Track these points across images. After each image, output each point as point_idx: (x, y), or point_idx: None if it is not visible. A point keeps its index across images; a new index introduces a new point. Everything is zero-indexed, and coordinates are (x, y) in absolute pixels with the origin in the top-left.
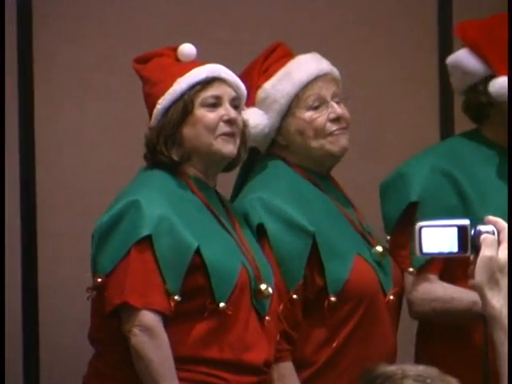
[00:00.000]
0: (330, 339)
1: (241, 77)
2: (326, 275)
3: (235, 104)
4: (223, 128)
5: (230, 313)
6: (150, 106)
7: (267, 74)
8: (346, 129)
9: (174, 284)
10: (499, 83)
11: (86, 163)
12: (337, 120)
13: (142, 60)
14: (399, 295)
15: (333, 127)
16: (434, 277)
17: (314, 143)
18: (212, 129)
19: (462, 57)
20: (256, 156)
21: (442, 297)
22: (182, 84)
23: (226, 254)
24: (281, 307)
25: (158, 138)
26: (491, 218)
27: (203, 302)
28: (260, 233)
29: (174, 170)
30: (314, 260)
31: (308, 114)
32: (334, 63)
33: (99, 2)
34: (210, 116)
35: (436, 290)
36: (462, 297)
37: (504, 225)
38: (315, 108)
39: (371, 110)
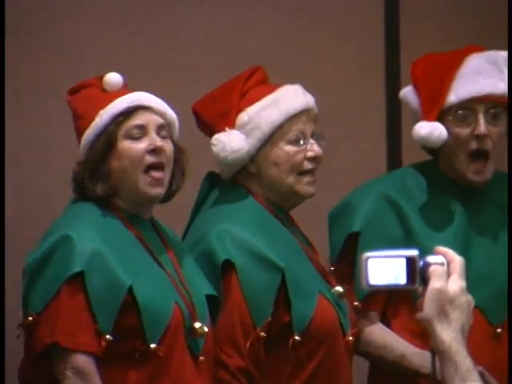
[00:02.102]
0: (291, 378)
1: (215, 98)
2: (292, 313)
3: (163, 132)
4: (149, 159)
5: (161, 354)
6: (78, 139)
7: (248, 97)
8: (315, 170)
9: (106, 323)
10: (415, 129)
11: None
12: (314, 159)
13: (73, 91)
14: (357, 336)
15: (309, 165)
16: (374, 314)
17: (288, 178)
18: (137, 161)
19: (407, 93)
20: (215, 181)
21: (375, 342)
22: (103, 116)
23: (159, 293)
24: (248, 344)
25: (85, 172)
26: (441, 248)
27: (134, 343)
28: (226, 267)
29: (104, 203)
30: (281, 296)
31: (288, 148)
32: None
33: (41, 24)
34: (135, 148)
35: (371, 333)
36: (393, 347)
37: (454, 256)
38: (295, 143)
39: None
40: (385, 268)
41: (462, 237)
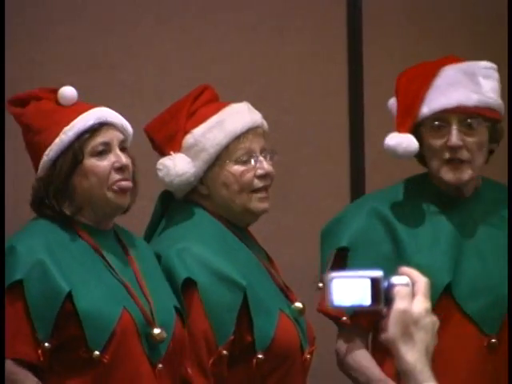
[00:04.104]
0: None
1: (164, 119)
2: (254, 332)
3: (123, 146)
4: (115, 176)
5: (105, 361)
6: (35, 155)
7: (195, 118)
8: (269, 187)
9: (44, 331)
10: (385, 140)
11: None
12: (264, 177)
13: (19, 103)
14: (313, 355)
15: (259, 184)
16: (359, 331)
17: (238, 198)
18: (104, 179)
19: (391, 104)
20: (169, 201)
21: (349, 363)
22: (69, 133)
23: (104, 300)
24: (210, 362)
25: (47, 190)
26: (405, 269)
27: (78, 350)
28: (188, 285)
29: (61, 219)
30: (243, 315)
31: (236, 168)
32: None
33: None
34: (101, 165)
35: (349, 352)
36: (363, 372)
37: (418, 276)
38: (243, 162)
39: (281, 157)
40: (349, 288)
41: (453, 249)
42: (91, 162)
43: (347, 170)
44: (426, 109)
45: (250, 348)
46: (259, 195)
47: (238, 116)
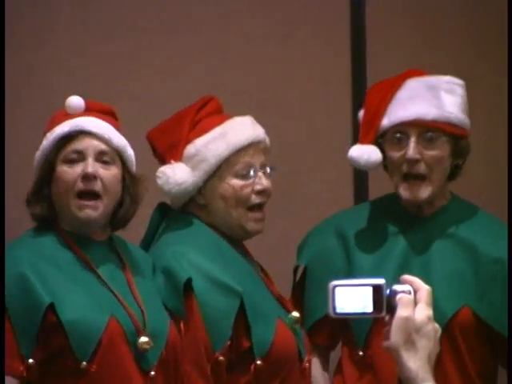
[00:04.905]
0: None
1: (167, 127)
2: (252, 337)
3: (104, 159)
4: (80, 185)
5: (93, 370)
6: None
7: (199, 128)
8: (265, 204)
9: (27, 347)
10: (349, 152)
11: None
12: (261, 193)
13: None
14: (311, 363)
15: (256, 200)
16: (317, 348)
17: (235, 212)
18: (70, 187)
19: (359, 116)
20: (166, 212)
21: (313, 375)
22: (48, 139)
23: (90, 309)
24: (208, 367)
25: (31, 193)
26: (407, 277)
27: (66, 361)
28: (186, 289)
29: (50, 225)
30: (240, 321)
31: (234, 182)
32: (245, 115)
33: (7, 51)
34: (69, 173)
35: (312, 365)
36: None
37: (421, 284)
38: (243, 176)
39: (285, 165)
40: (351, 296)
41: (398, 270)
42: (61, 169)
43: (351, 178)
44: (387, 121)
45: (248, 354)
46: (255, 215)
47: (241, 129)
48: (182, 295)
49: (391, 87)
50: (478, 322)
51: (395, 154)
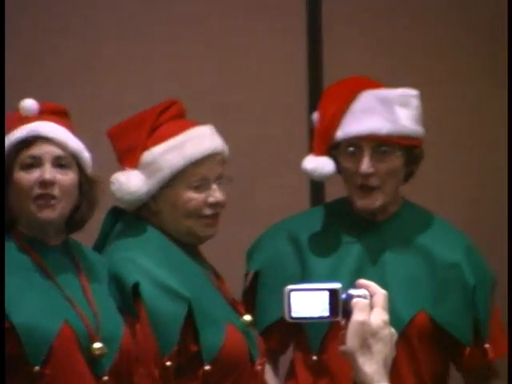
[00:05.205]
0: None
1: (127, 128)
2: (200, 342)
3: (61, 163)
4: (37, 190)
5: (48, 374)
6: None
7: (158, 135)
8: (219, 214)
9: None
10: (303, 162)
11: None
12: (214, 205)
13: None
14: (264, 366)
15: (208, 211)
16: (267, 353)
17: (185, 222)
18: (27, 193)
19: (314, 119)
20: (119, 215)
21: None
22: (6, 144)
23: (42, 314)
24: (157, 372)
25: None
26: (363, 281)
27: (20, 365)
28: (133, 294)
29: (8, 230)
30: (188, 326)
31: (188, 194)
32: (205, 122)
33: None
34: (25, 178)
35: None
36: None
37: (377, 289)
38: (196, 188)
39: (241, 170)
40: (307, 301)
41: (353, 275)
42: (18, 175)
43: (307, 183)
44: (341, 133)
45: (196, 359)
46: (207, 221)
47: (199, 141)
48: (131, 299)
49: (345, 99)
50: (434, 326)
51: (349, 166)
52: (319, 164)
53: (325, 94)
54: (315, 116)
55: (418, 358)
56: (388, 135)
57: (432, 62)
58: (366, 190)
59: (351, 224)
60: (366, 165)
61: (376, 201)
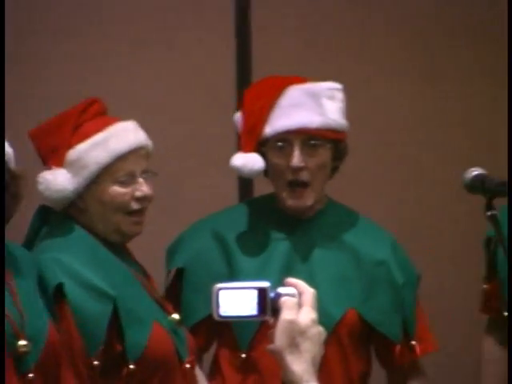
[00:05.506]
0: None
1: (49, 129)
2: (125, 341)
3: None
4: None
5: None
6: None
7: (81, 132)
8: (146, 209)
9: None
10: (232, 159)
11: None
12: (142, 199)
13: None
14: (195, 364)
15: (136, 206)
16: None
17: (113, 218)
18: None
19: (237, 118)
20: (47, 214)
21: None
22: None
23: None
24: (85, 372)
25: None
26: (292, 280)
27: None
28: (58, 295)
29: None
30: (114, 325)
31: (114, 188)
32: (132, 120)
33: None
34: None
35: None
36: None
37: (305, 287)
38: (122, 182)
39: (169, 169)
40: (236, 299)
41: (282, 272)
42: None
43: (235, 181)
44: (269, 129)
45: (121, 358)
46: (134, 219)
47: (123, 136)
48: (52, 301)
49: (272, 94)
50: (363, 324)
51: (279, 162)
52: (249, 160)
53: (249, 92)
54: (238, 116)
55: (348, 356)
56: (318, 129)
57: (359, 61)
58: (297, 187)
59: (277, 221)
60: (297, 158)
61: (307, 200)
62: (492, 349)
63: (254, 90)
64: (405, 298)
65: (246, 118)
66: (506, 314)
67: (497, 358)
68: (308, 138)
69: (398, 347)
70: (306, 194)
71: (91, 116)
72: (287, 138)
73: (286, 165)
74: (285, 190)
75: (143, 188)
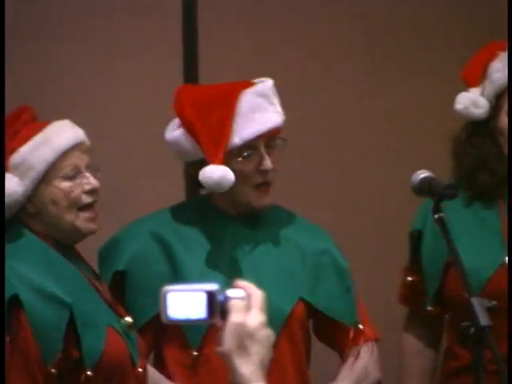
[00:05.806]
0: None
1: None
2: (82, 348)
3: None
4: None
5: None
6: None
7: (20, 137)
8: (96, 203)
9: None
10: (207, 173)
11: None
12: (91, 192)
13: None
14: (146, 368)
15: (88, 199)
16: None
17: (67, 215)
18: None
19: (178, 136)
20: None
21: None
22: None
23: None
24: (42, 380)
25: None
26: (241, 282)
27: None
28: (13, 304)
29: None
30: (70, 332)
31: (64, 185)
32: (78, 122)
33: None
34: None
35: None
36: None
37: (254, 290)
38: (71, 178)
39: (115, 171)
40: (185, 302)
41: (229, 270)
42: None
43: (182, 185)
44: (238, 139)
45: (78, 365)
46: (87, 215)
47: (63, 133)
48: (7, 312)
49: (228, 103)
50: (313, 313)
51: (245, 168)
52: (222, 174)
53: (195, 103)
54: (177, 134)
55: (300, 348)
56: (279, 128)
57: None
58: (265, 187)
59: (216, 220)
60: (268, 161)
61: (269, 198)
62: (414, 341)
63: (203, 100)
64: (350, 284)
65: (205, 129)
66: (429, 308)
67: (420, 350)
68: (271, 139)
69: (351, 330)
70: (268, 192)
71: (25, 123)
72: (254, 143)
73: (253, 169)
74: (252, 193)
75: (91, 181)
